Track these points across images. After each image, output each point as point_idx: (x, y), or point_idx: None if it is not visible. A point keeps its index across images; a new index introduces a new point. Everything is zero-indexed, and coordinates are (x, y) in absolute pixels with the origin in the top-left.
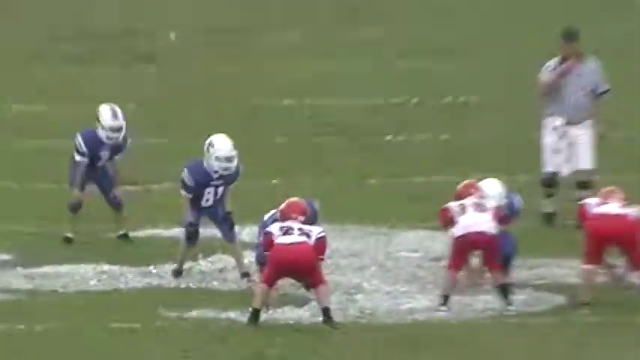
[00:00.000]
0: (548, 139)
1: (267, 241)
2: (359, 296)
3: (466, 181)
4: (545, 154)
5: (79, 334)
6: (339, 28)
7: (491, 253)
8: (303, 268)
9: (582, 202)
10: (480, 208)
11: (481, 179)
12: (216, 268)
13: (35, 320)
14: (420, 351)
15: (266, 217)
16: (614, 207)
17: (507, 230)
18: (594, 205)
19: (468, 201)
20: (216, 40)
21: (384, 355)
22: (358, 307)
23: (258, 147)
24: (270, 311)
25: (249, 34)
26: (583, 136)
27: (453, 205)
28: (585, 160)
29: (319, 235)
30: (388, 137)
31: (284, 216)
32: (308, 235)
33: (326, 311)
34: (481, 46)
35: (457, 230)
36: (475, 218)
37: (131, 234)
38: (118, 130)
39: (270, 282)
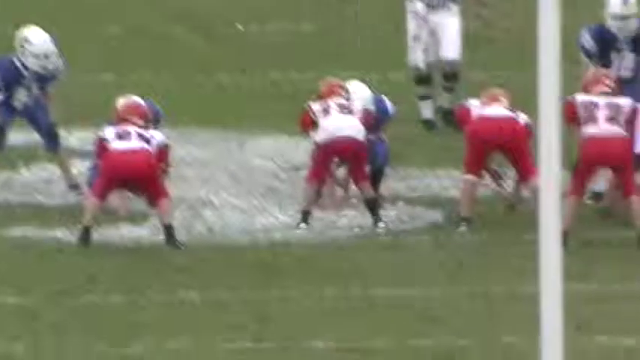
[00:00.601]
0: (409, 25)
1: (100, 148)
2: (206, 211)
3: (330, 79)
4: (409, 45)
5: None
6: None
7: (359, 163)
8: (141, 179)
9: (464, 102)
10: (346, 110)
11: (347, 79)
12: (40, 179)
13: None
14: (278, 274)
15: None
16: (500, 110)
17: (378, 137)
18: (477, 107)
19: (332, 101)
20: None
21: (235, 280)
22: (206, 223)
23: (86, 37)
24: (103, 230)
25: None
26: (446, 22)
27: (315, 105)
28: (449, 48)
29: (162, 141)
30: (239, 26)
31: (120, 118)
32: (148, 141)
33: (168, 229)
34: None
35: (319, 135)
36: (340, 121)
37: None
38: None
39: (102, 194)
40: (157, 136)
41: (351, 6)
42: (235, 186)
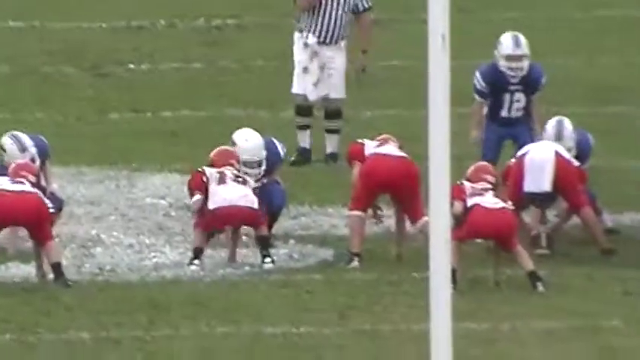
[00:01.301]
0: (298, 57)
1: None
2: (97, 250)
3: (223, 148)
4: (295, 75)
5: None
6: None
7: (255, 227)
8: (28, 220)
9: (359, 140)
10: (240, 179)
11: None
12: None
13: None
14: (168, 312)
15: None
16: (394, 149)
17: (274, 180)
18: (371, 145)
19: (227, 170)
20: None
21: (125, 318)
22: (96, 262)
23: None
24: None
25: None
26: (337, 59)
27: (209, 170)
28: (336, 87)
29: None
30: (131, 65)
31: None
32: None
33: (56, 267)
34: None
35: (212, 201)
36: (236, 191)
37: None
38: None
39: None
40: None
41: (236, 46)
42: (125, 224)
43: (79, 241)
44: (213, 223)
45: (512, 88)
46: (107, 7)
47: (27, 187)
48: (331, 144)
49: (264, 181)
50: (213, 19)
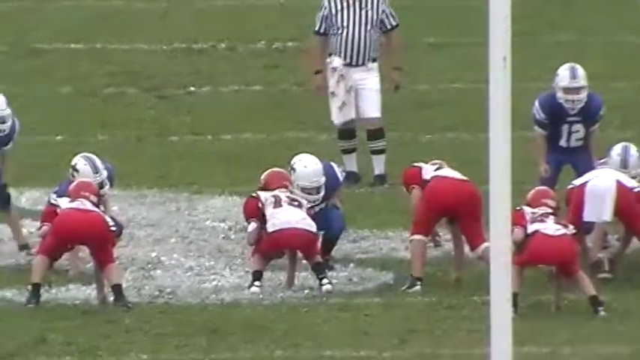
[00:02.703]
0: (329, 82)
1: (49, 212)
2: (157, 272)
3: (274, 170)
4: (330, 102)
5: None
6: None
7: (310, 252)
8: (92, 239)
9: (416, 164)
10: (295, 202)
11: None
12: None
13: None
14: (228, 335)
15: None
16: (455, 172)
17: (333, 205)
18: (431, 169)
19: (282, 194)
20: None
21: (185, 341)
22: (156, 284)
23: (39, 97)
24: (54, 290)
25: None
26: (369, 80)
27: (264, 194)
28: (372, 107)
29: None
30: (191, 88)
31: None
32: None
33: (116, 289)
34: None
35: (270, 225)
36: (292, 214)
37: None
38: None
39: (50, 252)
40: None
41: (296, 69)
42: (186, 246)
43: (139, 263)
44: (272, 246)
45: (570, 119)
46: (168, 30)
47: (90, 206)
48: (378, 165)
49: (323, 206)
50: (273, 42)
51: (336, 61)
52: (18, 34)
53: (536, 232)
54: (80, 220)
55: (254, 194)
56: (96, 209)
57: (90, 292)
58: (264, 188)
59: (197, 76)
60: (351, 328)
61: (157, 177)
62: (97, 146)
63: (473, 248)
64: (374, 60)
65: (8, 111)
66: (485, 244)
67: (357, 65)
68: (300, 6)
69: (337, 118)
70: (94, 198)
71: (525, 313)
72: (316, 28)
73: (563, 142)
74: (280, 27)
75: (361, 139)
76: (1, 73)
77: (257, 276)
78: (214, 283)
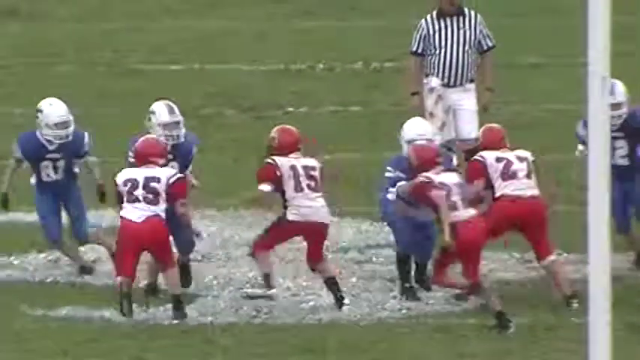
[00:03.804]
0: (426, 102)
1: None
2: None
3: (287, 130)
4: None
5: None
6: None
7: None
8: (154, 246)
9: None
10: (311, 181)
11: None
12: (87, 259)
13: None
14: (324, 355)
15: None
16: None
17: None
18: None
19: (298, 164)
20: None
21: None
22: (253, 304)
23: (137, 117)
24: (152, 309)
25: None
26: (465, 100)
27: (281, 162)
28: (469, 127)
29: (173, 178)
30: (289, 108)
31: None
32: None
33: (175, 299)
34: (397, 1)
35: (292, 215)
36: (311, 202)
37: None
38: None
39: (129, 270)
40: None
41: (393, 89)
42: (283, 266)
43: (236, 283)
44: (290, 235)
45: (612, 134)
46: (266, 51)
47: (151, 210)
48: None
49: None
50: (371, 62)
51: (434, 82)
52: (116, 55)
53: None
54: (141, 229)
55: (271, 160)
56: (157, 214)
57: (188, 311)
58: (278, 151)
59: (295, 97)
60: (448, 349)
61: (254, 197)
62: (194, 166)
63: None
64: (471, 80)
65: (70, 117)
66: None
67: (454, 86)
68: (398, 26)
69: (437, 139)
70: (162, 161)
71: (623, 335)
72: (413, 49)
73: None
74: (378, 47)
75: None
76: (99, 93)
77: (269, 281)
78: (311, 303)
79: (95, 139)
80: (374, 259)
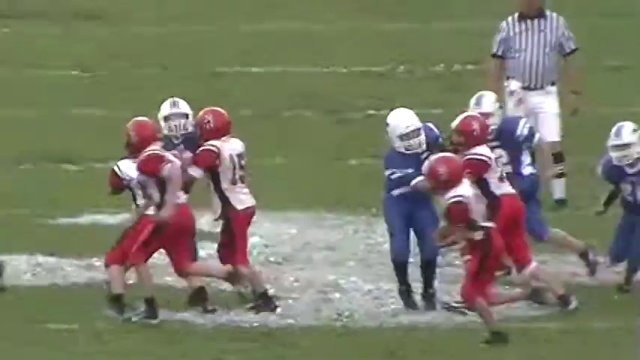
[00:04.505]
0: (507, 106)
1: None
2: (335, 295)
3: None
4: None
5: (8, 336)
6: None
7: None
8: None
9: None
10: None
11: None
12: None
13: None
14: (405, 359)
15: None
16: None
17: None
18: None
19: (235, 155)
20: None
21: None
22: (334, 307)
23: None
24: (232, 312)
25: None
26: (547, 103)
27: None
28: (550, 131)
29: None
30: (370, 111)
31: None
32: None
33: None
34: (478, 3)
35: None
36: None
37: (71, 220)
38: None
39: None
40: None
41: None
42: (364, 270)
43: (317, 286)
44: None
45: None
46: (347, 53)
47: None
48: (559, 189)
49: None
50: (452, 64)
51: (514, 85)
52: (199, 58)
53: None
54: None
55: (212, 147)
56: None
57: (268, 315)
58: (213, 133)
59: (376, 99)
60: (530, 353)
61: (335, 200)
62: (275, 169)
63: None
64: (553, 83)
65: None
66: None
67: (535, 89)
68: (479, 28)
69: None
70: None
71: None
72: (494, 51)
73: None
74: (459, 49)
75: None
76: (182, 96)
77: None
78: (392, 306)
79: None
80: (455, 262)
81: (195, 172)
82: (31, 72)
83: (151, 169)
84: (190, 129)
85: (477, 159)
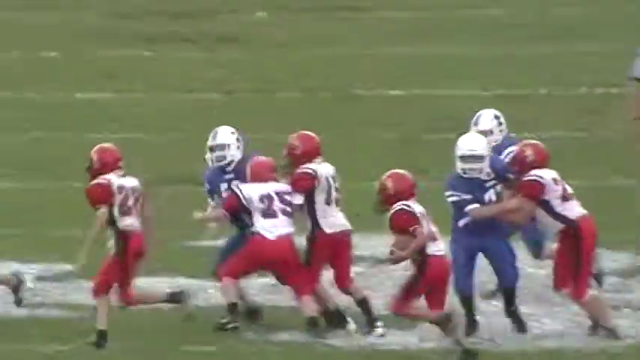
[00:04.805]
0: None
1: None
2: (476, 318)
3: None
4: None
5: (147, 357)
6: (458, 6)
7: None
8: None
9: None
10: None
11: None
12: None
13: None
14: None
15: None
16: None
17: None
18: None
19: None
20: (309, 19)
21: None
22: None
23: (359, 143)
24: (371, 335)
25: (351, 11)
26: None
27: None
28: None
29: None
30: (512, 134)
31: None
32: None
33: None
34: (621, 25)
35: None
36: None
37: (211, 242)
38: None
39: (237, 275)
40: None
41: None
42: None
43: (458, 309)
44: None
45: None
46: (488, 76)
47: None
48: None
49: None
50: (595, 87)
51: None
52: (339, 81)
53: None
54: (272, 246)
55: (307, 170)
56: (289, 233)
57: (409, 338)
58: (302, 158)
59: (517, 122)
60: None
61: None
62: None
63: None
64: None
65: (228, 140)
66: None
67: None
68: (624, 51)
69: None
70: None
71: None
72: (635, 75)
73: None
74: (602, 72)
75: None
76: (322, 119)
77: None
78: (535, 330)
79: None
80: (604, 286)
81: (297, 199)
82: (175, 95)
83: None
84: (231, 158)
85: (532, 180)
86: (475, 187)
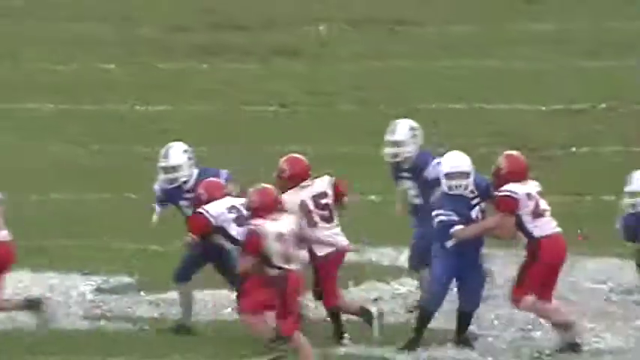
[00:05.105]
0: None
1: None
2: (536, 334)
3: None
4: None
5: None
6: (511, 20)
7: None
8: None
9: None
10: None
11: None
12: (369, 298)
13: (157, 354)
14: None
15: None
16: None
17: None
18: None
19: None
20: (370, 33)
21: None
22: (535, 345)
23: None
24: (429, 349)
25: (409, 26)
26: None
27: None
28: None
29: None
30: (572, 149)
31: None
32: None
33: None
34: None
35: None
36: None
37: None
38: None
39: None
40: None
41: None
42: (567, 308)
43: (518, 324)
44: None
45: None
46: (546, 91)
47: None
48: None
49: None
50: None
51: None
52: (398, 94)
53: None
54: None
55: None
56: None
57: (469, 353)
58: (290, 182)
59: (577, 137)
60: None
61: None
62: None
63: None
64: None
65: (180, 161)
66: None
67: None
68: None
69: None
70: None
71: None
72: None
73: None
74: None
75: None
76: (379, 132)
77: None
78: (595, 345)
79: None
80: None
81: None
82: (231, 108)
83: None
84: (185, 178)
85: (505, 195)
86: (462, 204)
